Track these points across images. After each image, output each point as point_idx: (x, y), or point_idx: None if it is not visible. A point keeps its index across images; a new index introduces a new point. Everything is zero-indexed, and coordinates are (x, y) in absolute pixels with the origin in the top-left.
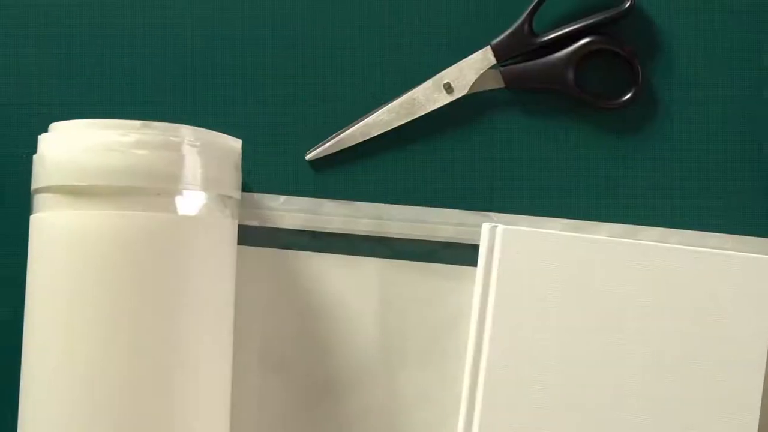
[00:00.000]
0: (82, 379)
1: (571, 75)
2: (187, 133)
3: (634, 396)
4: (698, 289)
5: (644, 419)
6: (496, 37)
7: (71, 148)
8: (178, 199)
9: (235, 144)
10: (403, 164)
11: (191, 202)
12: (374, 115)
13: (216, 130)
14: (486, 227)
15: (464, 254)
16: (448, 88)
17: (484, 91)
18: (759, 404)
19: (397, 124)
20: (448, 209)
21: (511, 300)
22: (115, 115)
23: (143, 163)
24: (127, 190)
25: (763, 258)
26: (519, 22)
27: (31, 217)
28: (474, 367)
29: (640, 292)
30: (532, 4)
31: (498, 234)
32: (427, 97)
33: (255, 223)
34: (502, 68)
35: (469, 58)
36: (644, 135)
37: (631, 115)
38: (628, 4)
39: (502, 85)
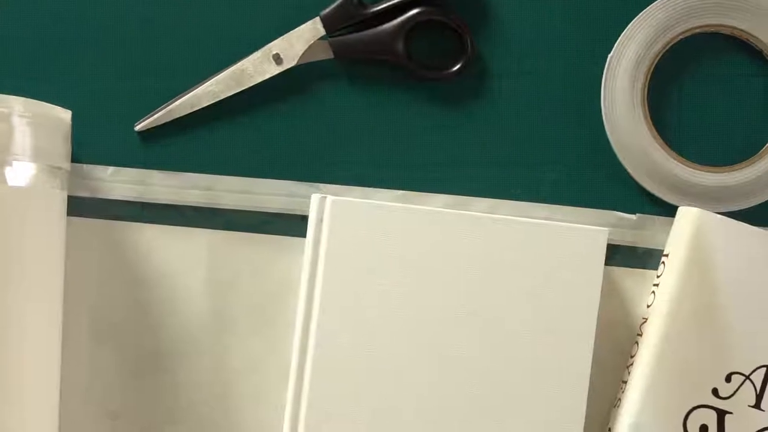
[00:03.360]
0: None
1: (400, 46)
2: (16, 104)
3: (465, 366)
4: (528, 260)
5: (474, 389)
6: (325, 8)
7: None
8: (7, 170)
9: (65, 115)
10: (233, 135)
11: (21, 173)
12: (203, 86)
13: (46, 102)
14: (315, 198)
15: (294, 225)
16: (277, 59)
17: (314, 62)
18: (588, 374)
19: (227, 95)
20: (278, 180)
21: (340, 271)
22: None
23: None
24: None
25: (592, 228)
26: None
27: None
28: (303, 337)
29: (471, 263)
30: None
31: (327, 205)
32: (256, 68)
33: (85, 194)
34: (331, 39)
35: (298, 28)
36: (475, 106)
37: (461, 86)
38: None
39: (331, 56)
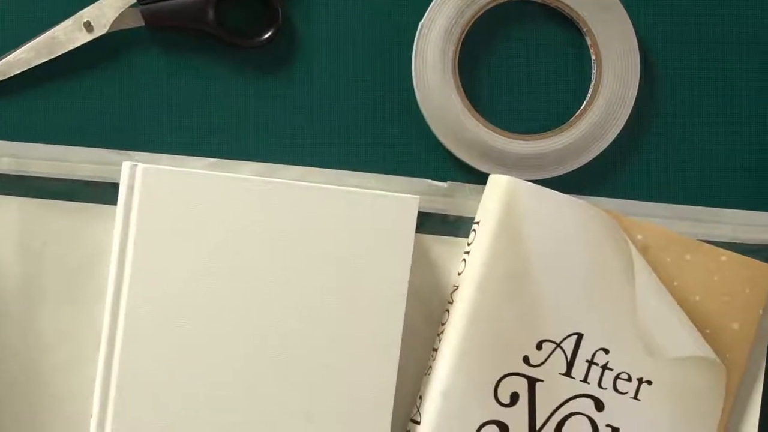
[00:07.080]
0: None
1: (211, 14)
2: None
3: (275, 334)
4: (339, 227)
5: (284, 357)
6: None
7: None
8: None
9: None
10: (44, 103)
11: None
12: (15, 53)
13: None
14: (126, 165)
15: (106, 193)
16: (88, 26)
17: (125, 30)
18: (399, 342)
19: (37, 63)
20: (89, 148)
21: (152, 239)
22: None
23: None
24: None
25: (403, 196)
26: None
27: None
28: (114, 306)
29: (282, 231)
30: None
31: (138, 172)
32: (67, 35)
33: None
34: (142, 7)
35: None
36: (285, 74)
37: (272, 53)
38: None
39: (142, 23)
